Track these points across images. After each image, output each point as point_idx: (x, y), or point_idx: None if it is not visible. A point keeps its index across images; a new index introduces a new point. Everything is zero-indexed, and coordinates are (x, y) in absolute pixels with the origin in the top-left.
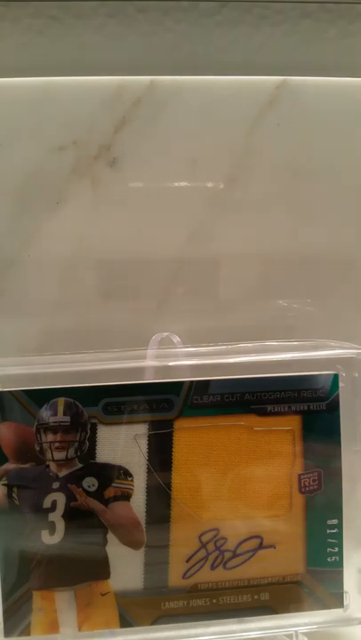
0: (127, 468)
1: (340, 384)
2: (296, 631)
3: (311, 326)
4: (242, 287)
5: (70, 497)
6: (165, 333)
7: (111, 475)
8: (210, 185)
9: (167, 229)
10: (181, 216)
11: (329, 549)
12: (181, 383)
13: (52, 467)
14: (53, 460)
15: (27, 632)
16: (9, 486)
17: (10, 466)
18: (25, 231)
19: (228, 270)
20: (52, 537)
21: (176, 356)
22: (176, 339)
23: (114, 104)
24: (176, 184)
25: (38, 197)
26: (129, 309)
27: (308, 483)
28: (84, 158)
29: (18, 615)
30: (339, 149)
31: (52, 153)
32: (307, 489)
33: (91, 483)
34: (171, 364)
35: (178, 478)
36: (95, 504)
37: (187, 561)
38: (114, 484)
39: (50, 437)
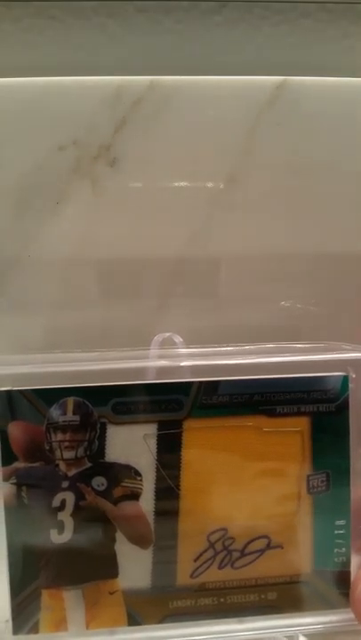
0: (136, 467)
1: (350, 385)
2: (296, 632)
3: (313, 326)
4: (242, 287)
5: (79, 496)
6: (167, 334)
7: (120, 474)
8: (210, 185)
9: (167, 229)
10: (181, 216)
11: (336, 550)
12: (191, 383)
13: (62, 466)
14: (63, 460)
15: (35, 630)
16: (18, 485)
17: (19, 465)
18: (25, 231)
19: (228, 270)
20: (60, 536)
21: (184, 357)
22: (178, 339)
23: (114, 104)
24: (176, 184)
25: (38, 197)
26: (129, 309)
27: (317, 484)
28: (84, 158)
29: (26, 613)
30: (339, 149)
31: (52, 153)
32: (315, 490)
33: (100, 482)
34: (181, 364)
35: (186, 478)
36: (104, 503)
37: (195, 560)
38: (123, 484)
39: (59, 437)
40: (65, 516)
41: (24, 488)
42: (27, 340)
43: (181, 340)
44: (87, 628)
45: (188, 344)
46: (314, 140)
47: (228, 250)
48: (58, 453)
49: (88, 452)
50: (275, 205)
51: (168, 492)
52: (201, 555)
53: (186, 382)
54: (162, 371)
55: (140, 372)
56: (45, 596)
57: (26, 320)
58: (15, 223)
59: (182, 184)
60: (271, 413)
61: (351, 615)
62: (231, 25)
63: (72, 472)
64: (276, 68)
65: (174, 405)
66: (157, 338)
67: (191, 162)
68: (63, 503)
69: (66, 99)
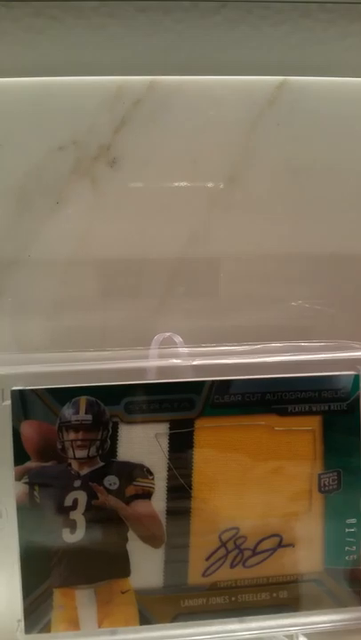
0: (148, 466)
1: None
2: (296, 632)
3: (313, 326)
4: (242, 287)
5: (92, 495)
6: (167, 333)
7: (132, 473)
8: (210, 185)
9: (167, 229)
10: (181, 216)
11: (347, 548)
12: (203, 382)
13: (74, 465)
14: (75, 459)
15: (47, 629)
16: (31, 484)
17: (32, 464)
18: (25, 231)
19: (228, 270)
20: (72, 535)
21: (196, 356)
22: (178, 339)
23: (114, 104)
24: (176, 184)
25: (38, 197)
26: (129, 309)
27: (328, 482)
28: (84, 158)
29: (38, 612)
30: (339, 149)
31: (52, 153)
32: (326, 488)
33: (112, 481)
34: (193, 363)
35: (198, 477)
36: (116, 502)
37: (206, 559)
38: (135, 483)
39: (72, 436)
40: (77, 515)
41: (36, 487)
42: (26, 339)
43: (181, 339)
44: (99, 627)
45: (187, 344)
46: (314, 140)
47: (227, 250)
48: (70, 452)
49: (100, 451)
50: (275, 205)
51: (180, 490)
52: (213, 554)
53: (198, 381)
54: (174, 370)
55: (152, 371)
56: (57, 595)
57: (25, 320)
58: (15, 223)
59: (182, 184)
60: (283, 412)
61: None
62: (231, 25)
63: (84, 471)
64: (276, 68)
65: (186, 404)
66: (157, 337)
67: (191, 162)
68: (75, 502)
69: (66, 99)
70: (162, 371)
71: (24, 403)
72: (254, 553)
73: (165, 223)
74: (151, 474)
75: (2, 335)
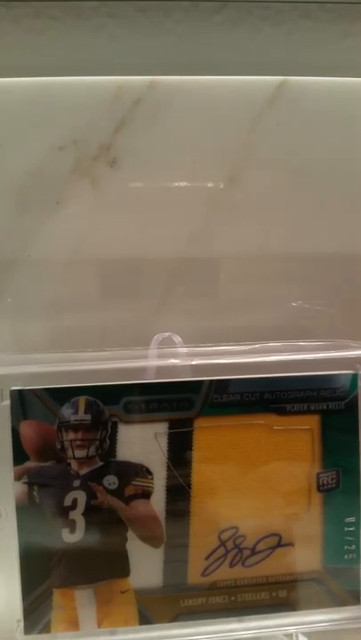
0: (147, 466)
1: (360, 383)
2: (297, 631)
3: (313, 326)
4: (242, 287)
5: (91, 495)
6: (167, 333)
7: (131, 473)
8: (210, 185)
9: (167, 229)
10: (181, 216)
11: (346, 547)
12: (201, 382)
13: (73, 465)
14: (74, 458)
15: (47, 629)
16: (30, 484)
17: (31, 464)
18: (25, 231)
19: (228, 270)
20: (72, 535)
21: (195, 356)
22: (177, 339)
23: (114, 104)
24: (176, 184)
25: (38, 197)
26: (129, 309)
27: (327, 481)
28: (84, 158)
29: (38, 613)
30: (339, 149)
31: (52, 153)
32: (325, 487)
33: (111, 481)
34: (192, 362)
35: (198, 477)
36: (116, 502)
37: (206, 558)
38: (134, 482)
39: (71, 435)
40: (76, 515)
41: (35, 487)
42: (26, 340)
43: (180, 339)
44: (99, 627)
45: (187, 344)
46: (314, 140)
47: (228, 250)
48: (69, 452)
49: (99, 451)
50: (274, 205)
51: (179, 490)
52: (212, 553)
53: (197, 381)
54: (172, 370)
55: (151, 371)
56: (57, 596)
57: (25, 320)
58: (15, 223)
59: (182, 184)
60: (281, 412)
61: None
62: (231, 25)
63: (83, 471)
64: (276, 68)
65: (185, 404)
66: (157, 337)
67: (191, 162)
68: (75, 502)
69: (66, 99)
70: (161, 370)
71: (23, 403)
72: (253, 552)
73: (165, 223)
74: (150, 473)
75: (2, 335)
